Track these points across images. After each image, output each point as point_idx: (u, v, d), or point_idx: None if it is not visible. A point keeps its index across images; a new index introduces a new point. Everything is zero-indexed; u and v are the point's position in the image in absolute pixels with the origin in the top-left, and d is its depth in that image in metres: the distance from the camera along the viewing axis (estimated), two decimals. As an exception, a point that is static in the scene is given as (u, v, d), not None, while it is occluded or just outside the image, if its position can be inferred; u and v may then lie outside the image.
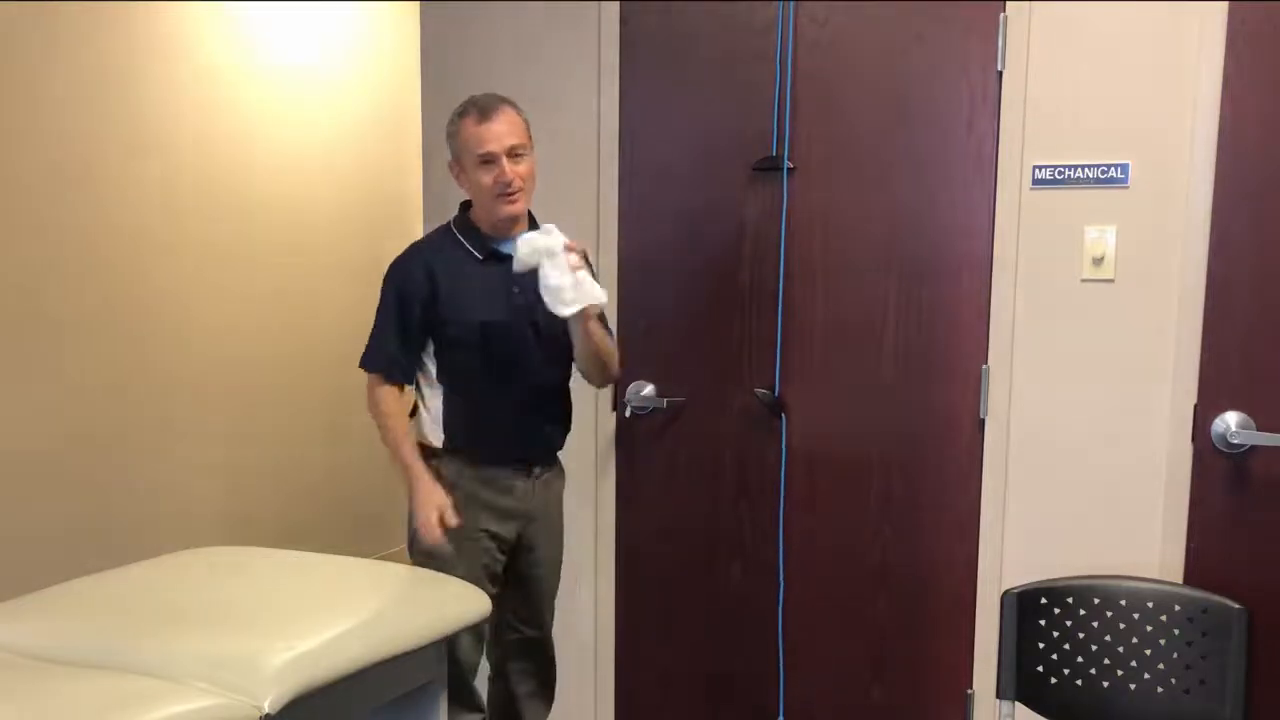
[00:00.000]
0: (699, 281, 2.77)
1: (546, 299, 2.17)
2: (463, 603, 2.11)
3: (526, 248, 2.18)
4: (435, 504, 2.32)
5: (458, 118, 2.34)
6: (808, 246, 2.67)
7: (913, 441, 2.63)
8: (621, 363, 2.57)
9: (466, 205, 2.45)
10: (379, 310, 2.44)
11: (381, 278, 2.45)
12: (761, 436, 2.75)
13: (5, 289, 3.20)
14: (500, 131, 2.29)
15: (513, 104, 2.35)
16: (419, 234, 3.26)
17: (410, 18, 4.61)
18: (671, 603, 2.88)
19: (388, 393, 2.41)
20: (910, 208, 2.58)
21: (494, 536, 2.43)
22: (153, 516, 3.70)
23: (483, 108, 2.31)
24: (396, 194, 4.80)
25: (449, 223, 2.46)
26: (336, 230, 4.50)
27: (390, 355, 2.41)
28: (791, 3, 2.62)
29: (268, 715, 1.63)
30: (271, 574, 2.12)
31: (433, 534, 2.31)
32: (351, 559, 2.28)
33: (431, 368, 2.42)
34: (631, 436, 2.87)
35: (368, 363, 2.45)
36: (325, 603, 1.95)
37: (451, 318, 2.36)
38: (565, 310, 2.17)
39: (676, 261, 2.78)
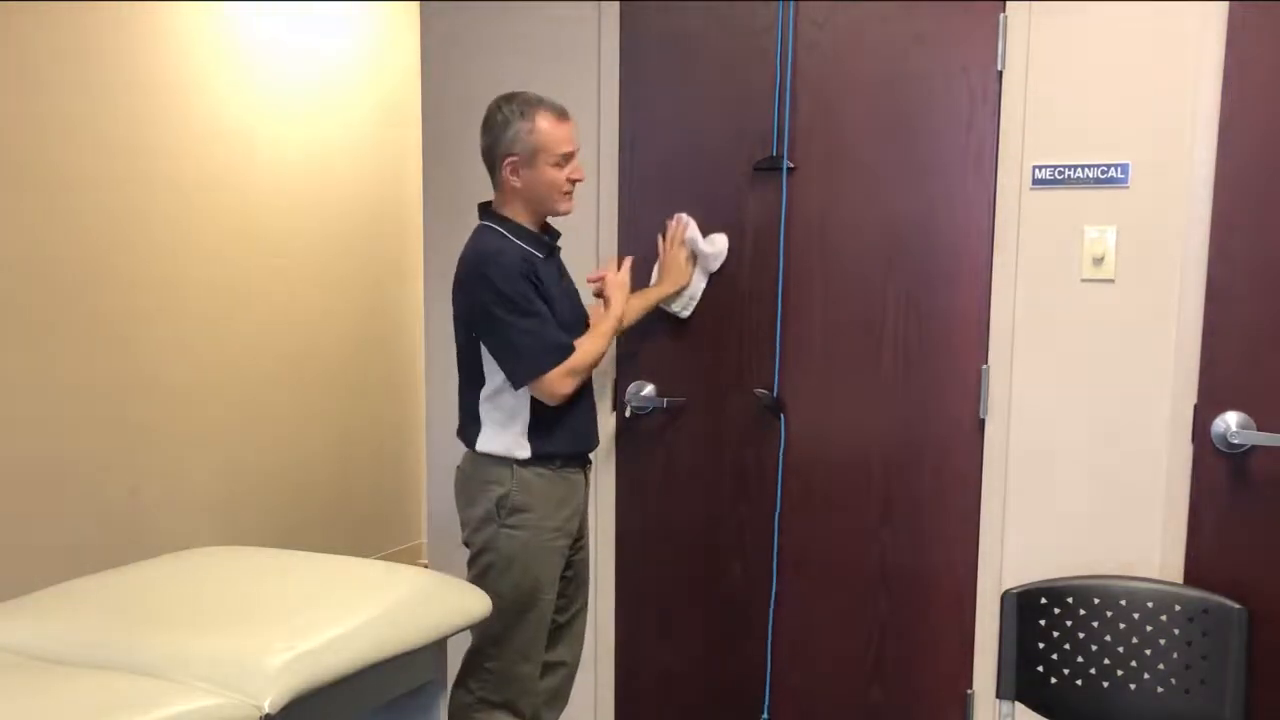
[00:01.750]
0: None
1: (713, 266, 2.74)
2: (463, 603, 2.11)
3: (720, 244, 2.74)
4: (622, 285, 2.50)
5: (532, 114, 2.35)
6: (807, 246, 2.67)
7: (912, 441, 2.63)
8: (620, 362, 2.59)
9: (486, 206, 2.46)
10: (513, 313, 2.31)
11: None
12: (762, 437, 2.75)
13: (4, 290, 3.20)
14: (575, 132, 2.41)
15: None
16: (419, 234, 3.27)
17: (410, 18, 4.62)
18: (672, 603, 2.88)
19: (571, 359, 2.35)
20: (910, 208, 2.58)
21: (568, 535, 2.47)
22: (153, 517, 3.70)
23: (556, 108, 2.38)
24: (397, 194, 4.81)
25: (490, 228, 2.41)
26: (337, 230, 4.50)
27: (560, 342, 2.34)
28: (791, 3, 2.62)
29: (268, 715, 1.63)
30: (271, 574, 2.12)
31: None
32: (353, 559, 2.28)
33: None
34: (631, 436, 2.87)
35: (546, 363, 2.33)
36: (325, 603, 1.95)
37: (555, 320, 2.38)
38: (717, 266, 2.75)
39: (676, 261, 2.78)
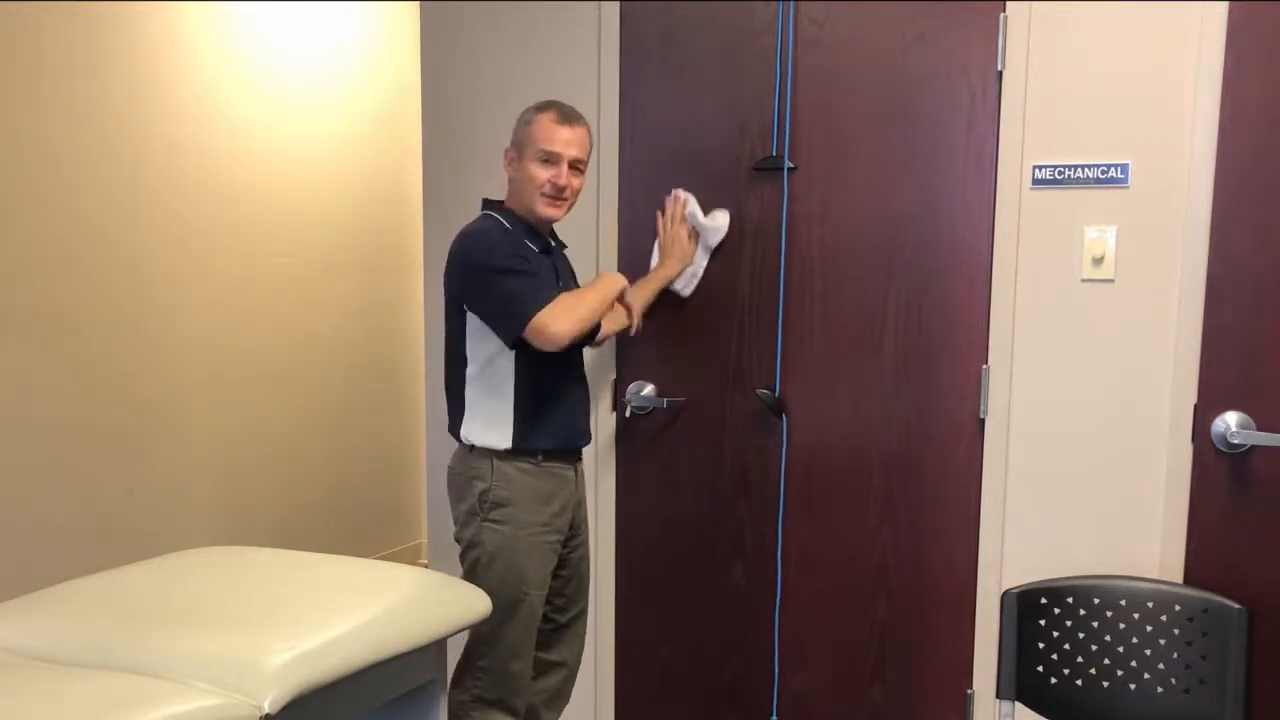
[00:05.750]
0: (699, 281, 2.77)
1: (714, 241, 2.72)
2: (463, 603, 2.11)
3: (721, 220, 2.72)
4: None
5: (536, 111, 2.40)
6: (808, 246, 2.67)
7: (913, 441, 2.63)
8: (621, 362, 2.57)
9: (494, 204, 2.46)
10: (503, 272, 2.29)
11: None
12: (762, 437, 2.75)
13: (4, 286, 3.20)
14: (572, 139, 2.38)
15: (588, 125, 2.43)
16: (419, 233, 3.27)
17: (410, 18, 4.62)
18: (672, 603, 2.88)
19: (556, 303, 2.28)
20: (910, 208, 2.58)
21: (558, 531, 2.46)
22: (153, 516, 3.70)
23: (566, 112, 2.39)
24: (398, 192, 4.81)
25: (490, 215, 2.42)
26: (338, 229, 4.50)
27: (552, 292, 2.30)
28: (791, 3, 2.62)
29: (268, 715, 1.63)
30: (271, 574, 2.12)
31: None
32: (352, 559, 2.28)
33: (509, 365, 2.38)
34: (631, 437, 2.87)
35: (540, 301, 2.26)
36: (325, 603, 1.95)
37: None
38: (718, 241, 2.73)
39: (676, 261, 2.78)
